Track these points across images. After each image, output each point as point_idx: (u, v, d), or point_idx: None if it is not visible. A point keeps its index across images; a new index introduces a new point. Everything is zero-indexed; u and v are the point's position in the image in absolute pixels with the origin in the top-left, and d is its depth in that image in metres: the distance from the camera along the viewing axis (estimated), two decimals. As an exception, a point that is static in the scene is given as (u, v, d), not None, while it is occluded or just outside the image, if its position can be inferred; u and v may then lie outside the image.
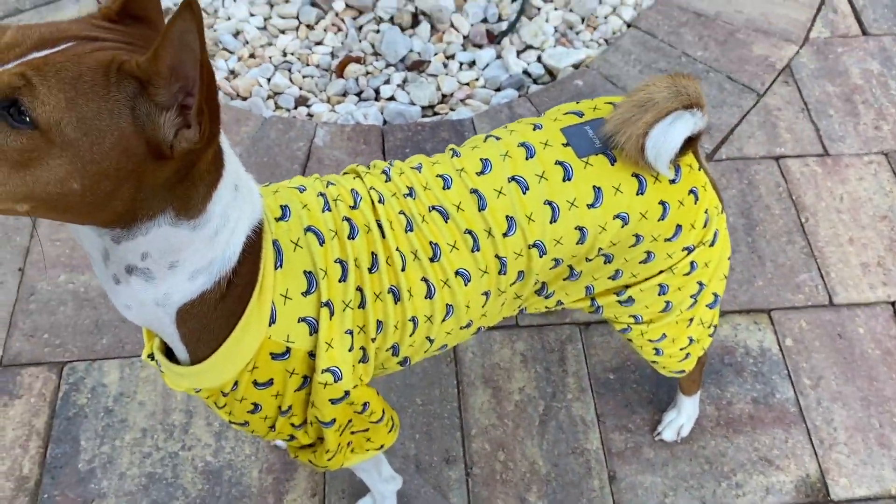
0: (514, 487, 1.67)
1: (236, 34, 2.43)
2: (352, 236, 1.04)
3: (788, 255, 1.97)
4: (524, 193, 1.09)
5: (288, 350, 1.02)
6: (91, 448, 1.70)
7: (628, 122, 1.06)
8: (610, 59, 2.34)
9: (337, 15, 2.47)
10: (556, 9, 2.49)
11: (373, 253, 1.05)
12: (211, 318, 0.98)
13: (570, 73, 2.31)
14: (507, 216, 1.08)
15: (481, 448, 1.71)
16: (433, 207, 1.09)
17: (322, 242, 1.02)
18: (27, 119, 0.71)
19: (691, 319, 1.32)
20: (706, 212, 1.18)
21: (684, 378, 1.58)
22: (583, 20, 2.48)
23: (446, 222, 1.08)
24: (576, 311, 1.88)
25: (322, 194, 1.07)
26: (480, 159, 1.11)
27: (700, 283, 1.25)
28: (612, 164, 1.11)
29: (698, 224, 1.18)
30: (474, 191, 1.09)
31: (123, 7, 0.82)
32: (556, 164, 1.10)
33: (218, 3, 2.50)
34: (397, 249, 1.06)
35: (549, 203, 1.09)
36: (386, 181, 1.12)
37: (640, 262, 1.19)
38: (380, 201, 1.08)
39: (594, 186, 1.10)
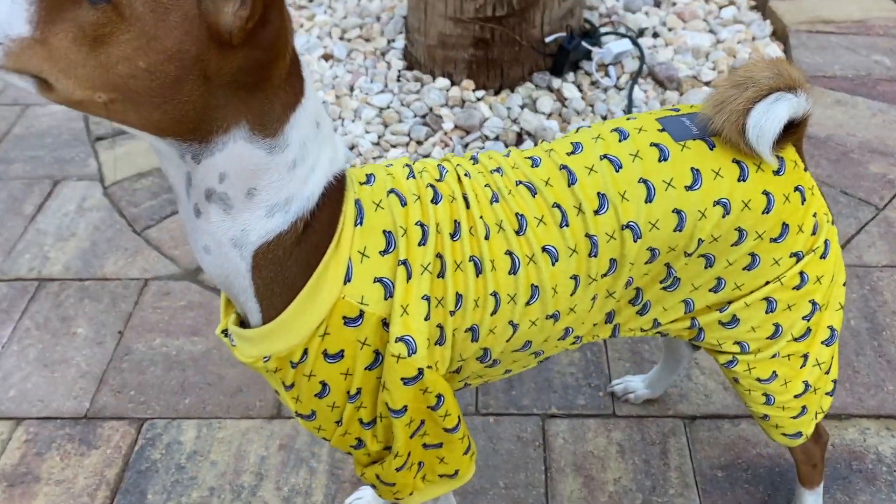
0: (606, 586, 1.45)
1: (352, 147, 2.57)
2: (435, 201, 1.02)
3: (923, 362, 1.77)
4: (617, 172, 1.04)
5: (361, 314, 0.98)
6: (157, 502, 1.63)
7: (727, 102, 1.03)
8: (715, 172, 2.33)
9: (446, 133, 2.59)
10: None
11: (455, 221, 1.02)
12: (286, 266, 0.95)
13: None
14: (598, 193, 1.04)
15: (569, 539, 1.53)
16: (520, 182, 1.06)
17: (404, 204, 1.00)
18: None
19: (805, 357, 1.18)
20: (814, 216, 1.10)
21: (802, 459, 1.39)
22: (687, 142, 2.49)
23: (534, 196, 1.04)
24: (677, 400, 1.73)
25: (408, 165, 1.07)
26: (571, 142, 1.09)
27: (813, 303, 1.13)
28: (711, 149, 1.06)
29: (806, 227, 1.09)
30: (563, 167, 1.06)
31: None
32: (651, 145, 1.06)
33: (338, 122, 2.69)
34: (481, 218, 1.02)
35: (644, 182, 1.04)
36: (474, 163, 1.10)
37: (743, 269, 1.09)
38: (465, 175, 1.06)
39: (692, 168, 1.05)
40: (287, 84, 0.88)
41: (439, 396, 1.04)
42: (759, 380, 1.19)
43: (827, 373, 1.22)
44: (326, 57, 3.00)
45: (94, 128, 2.70)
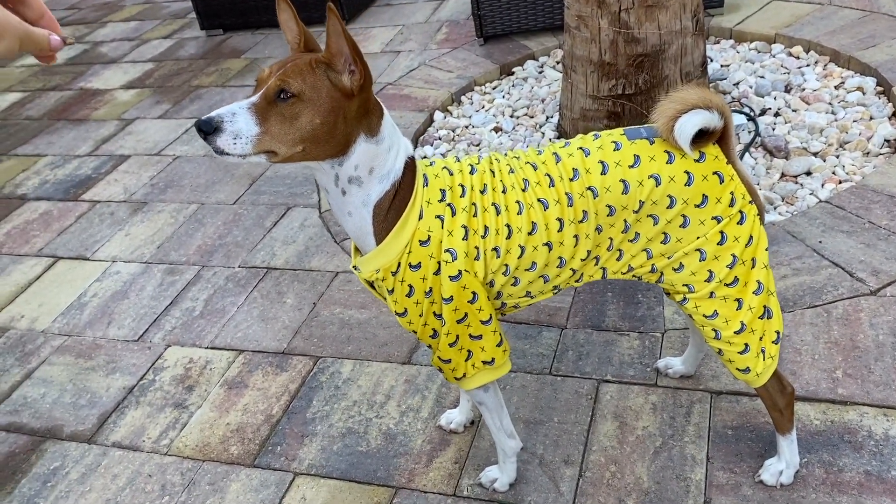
0: (617, 491, 1.93)
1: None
2: (472, 173, 1.65)
3: (937, 371, 2.06)
4: (586, 156, 1.62)
5: (429, 238, 1.61)
6: (318, 406, 2.36)
7: (664, 112, 1.57)
8: (797, 220, 2.72)
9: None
10: (760, 189, 2.96)
11: (484, 183, 1.64)
12: (389, 210, 1.57)
13: (756, 228, 2.73)
14: (573, 168, 1.62)
15: (597, 460, 2.02)
16: (528, 162, 1.66)
17: (451, 174, 1.65)
18: (289, 95, 1.40)
19: (739, 301, 1.65)
20: (732, 193, 1.59)
21: (769, 404, 1.80)
22: (783, 199, 2.91)
23: (535, 170, 1.65)
24: (709, 379, 2.17)
25: (457, 159, 1.72)
26: (564, 142, 1.70)
27: (734, 256, 1.61)
28: (651, 144, 1.61)
29: (724, 200, 1.59)
30: (555, 153, 1.66)
31: (305, 45, 1.54)
32: (611, 142, 1.63)
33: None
34: (501, 181, 1.64)
35: (602, 162, 1.61)
36: (504, 154, 1.73)
37: (679, 226, 1.61)
38: (496, 160, 1.69)
39: (635, 154, 1.60)
40: (375, 106, 1.53)
41: (474, 293, 1.64)
42: (705, 316, 1.68)
43: (761, 318, 1.67)
44: (496, 129, 3.77)
45: (319, 173, 3.66)
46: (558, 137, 3.56)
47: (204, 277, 3.09)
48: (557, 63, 4.25)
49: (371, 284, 1.70)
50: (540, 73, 4.21)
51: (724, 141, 1.63)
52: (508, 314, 1.84)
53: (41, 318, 3.06)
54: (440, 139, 3.79)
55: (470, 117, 3.95)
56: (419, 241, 1.59)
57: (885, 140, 3.11)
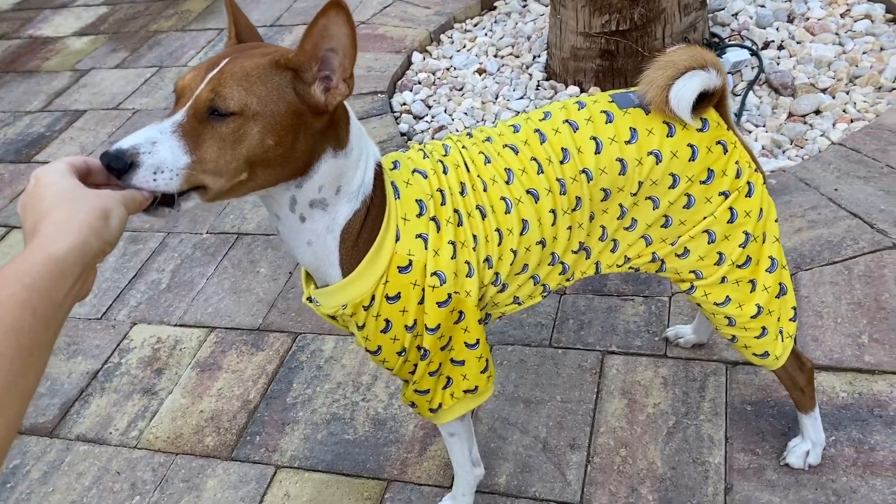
0: (629, 479, 1.77)
1: (488, 143, 3.04)
2: (444, 172, 1.35)
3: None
4: (574, 132, 1.38)
5: (410, 263, 1.29)
6: (299, 389, 2.17)
7: (654, 80, 1.33)
8: (809, 166, 2.52)
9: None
10: (766, 132, 2.75)
11: (461, 182, 1.35)
12: (359, 234, 1.29)
13: (766, 175, 2.52)
14: (562, 148, 1.38)
15: (606, 443, 1.86)
16: (505, 145, 1.40)
17: (425, 177, 1.33)
18: (228, 111, 1.07)
19: (753, 283, 1.45)
20: (737, 163, 1.38)
21: (788, 384, 1.63)
22: (791, 141, 2.70)
23: (516, 154, 1.39)
24: (724, 348, 2.00)
25: (421, 149, 1.44)
26: (543, 112, 1.44)
27: (746, 234, 1.41)
28: (647, 114, 1.37)
29: (730, 172, 1.38)
30: (537, 130, 1.40)
31: (236, 37, 1.24)
32: (601, 112, 1.39)
33: (480, 124, 3.16)
34: (479, 177, 1.37)
35: (594, 139, 1.37)
36: (469, 137, 1.46)
37: (683, 207, 1.40)
38: (464, 148, 1.42)
39: (630, 128, 1.37)
40: (343, 111, 1.23)
41: (461, 313, 1.39)
42: (716, 304, 1.48)
43: (778, 297, 1.48)
44: (480, 71, 3.50)
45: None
46: (547, 79, 3.31)
47: (170, 246, 2.85)
48: (542, -4, 3.96)
49: (333, 316, 1.42)
50: (524, 6, 3.92)
51: (720, 104, 1.41)
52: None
53: (-5, 295, 2.82)
54: (420, 83, 3.52)
55: (451, 58, 3.67)
56: (398, 267, 1.31)
57: (898, 73, 2.89)
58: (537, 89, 3.27)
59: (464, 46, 3.76)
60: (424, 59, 3.71)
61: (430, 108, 3.37)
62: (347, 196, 1.26)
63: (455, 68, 3.59)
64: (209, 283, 2.63)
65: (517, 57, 3.55)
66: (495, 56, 3.60)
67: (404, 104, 3.40)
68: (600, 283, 2.28)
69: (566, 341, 2.13)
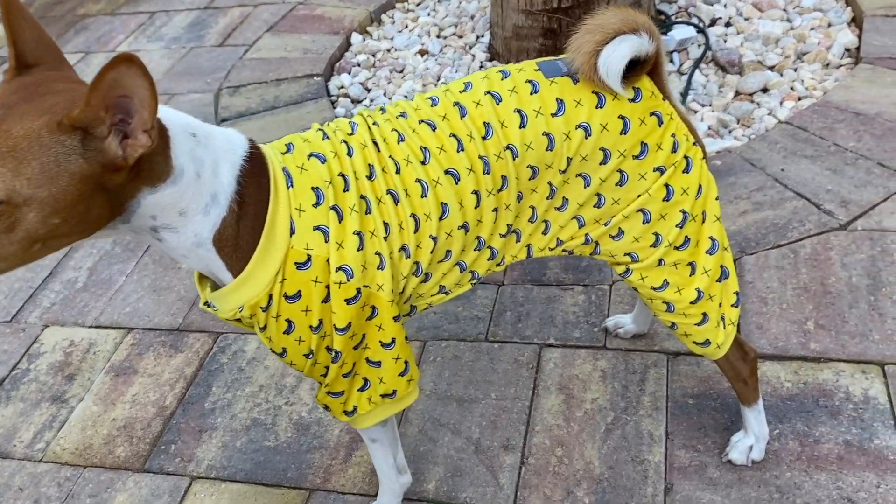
0: (565, 481, 1.66)
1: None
2: (349, 154, 1.22)
3: (919, 317, 1.82)
4: (497, 104, 1.25)
5: (309, 258, 1.17)
6: (218, 393, 2.02)
7: (581, 46, 1.21)
8: (755, 146, 2.43)
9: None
10: (712, 111, 2.65)
11: (370, 164, 1.22)
12: (238, 236, 1.17)
13: (711, 156, 2.42)
14: (484, 122, 1.25)
15: (541, 442, 1.74)
16: (422, 121, 1.27)
17: (323, 161, 1.20)
18: None
19: (692, 265, 1.34)
20: (673, 136, 1.27)
21: (731, 375, 1.52)
22: (738, 120, 2.60)
23: (434, 131, 1.26)
24: (665, 338, 1.90)
25: (321, 129, 1.30)
26: (464, 83, 1.31)
27: (683, 213, 1.30)
28: (575, 83, 1.26)
29: (665, 146, 1.26)
30: (457, 103, 1.27)
31: (18, 64, 1.03)
32: (525, 82, 1.27)
33: (420, 107, 3.02)
34: (390, 157, 1.24)
35: (519, 111, 1.25)
36: (382, 113, 1.32)
37: (616, 185, 1.28)
38: (374, 124, 1.28)
39: (557, 99, 1.25)
40: (160, 140, 1.05)
41: (373, 308, 1.24)
42: (653, 288, 1.37)
43: (719, 280, 1.37)
44: (422, 52, 3.36)
45: (221, 111, 3.22)
46: (490, 60, 3.18)
47: (88, 242, 2.68)
48: (486, -26, 3.82)
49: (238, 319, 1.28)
50: (467, -14, 3.78)
51: (655, 72, 1.29)
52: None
53: None
54: (359, 65, 3.37)
55: (392, 39, 3.52)
56: (295, 263, 1.18)
57: (845, 49, 2.81)
58: (480, 70, 3.13)
59: (405, 27, 3.61)
60: (364, 40, 3.56)
61: (368, 91, 3.22)
62: (201, 210, 1.13)
63: (396, 49, 3.44)
64: (128, 280, 2.47)
65: (460, 37, 3.42)
66: (438, 36, 3.46)
67: (342, 87, 3.25)
68: (540, 272, 2.17)
69: (503, 335, 2.01)
